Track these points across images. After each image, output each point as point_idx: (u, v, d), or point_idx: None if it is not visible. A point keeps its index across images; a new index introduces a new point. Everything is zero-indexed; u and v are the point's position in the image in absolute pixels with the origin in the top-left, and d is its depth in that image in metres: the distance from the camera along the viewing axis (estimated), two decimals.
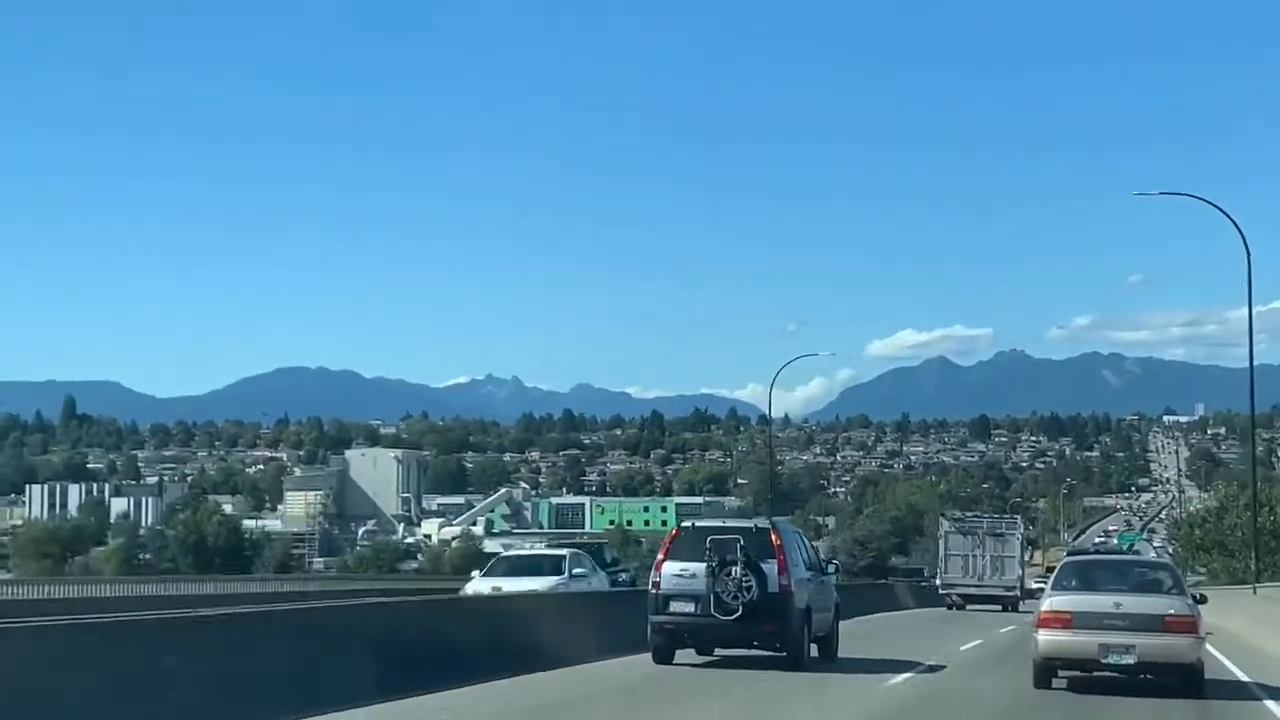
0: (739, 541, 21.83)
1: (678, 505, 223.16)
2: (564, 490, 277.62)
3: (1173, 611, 19.19)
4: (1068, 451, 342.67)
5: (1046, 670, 19.92)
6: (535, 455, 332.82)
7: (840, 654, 24.57)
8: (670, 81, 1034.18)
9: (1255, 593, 39.49)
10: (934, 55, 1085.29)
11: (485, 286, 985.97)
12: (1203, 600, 20.95)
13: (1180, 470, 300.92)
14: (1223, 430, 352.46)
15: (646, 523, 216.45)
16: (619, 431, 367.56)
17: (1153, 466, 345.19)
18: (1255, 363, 43.92)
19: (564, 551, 35.00)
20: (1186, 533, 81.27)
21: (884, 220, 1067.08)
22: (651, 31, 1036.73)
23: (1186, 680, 19.47)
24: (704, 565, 21.68)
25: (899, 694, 20.13)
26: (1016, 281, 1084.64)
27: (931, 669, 23.69)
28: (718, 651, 23.19)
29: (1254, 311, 43.34)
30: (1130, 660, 19.07)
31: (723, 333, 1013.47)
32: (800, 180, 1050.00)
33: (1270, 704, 19.29)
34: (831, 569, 26.79)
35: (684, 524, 23.77)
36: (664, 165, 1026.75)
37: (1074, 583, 20.29)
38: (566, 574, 32.09)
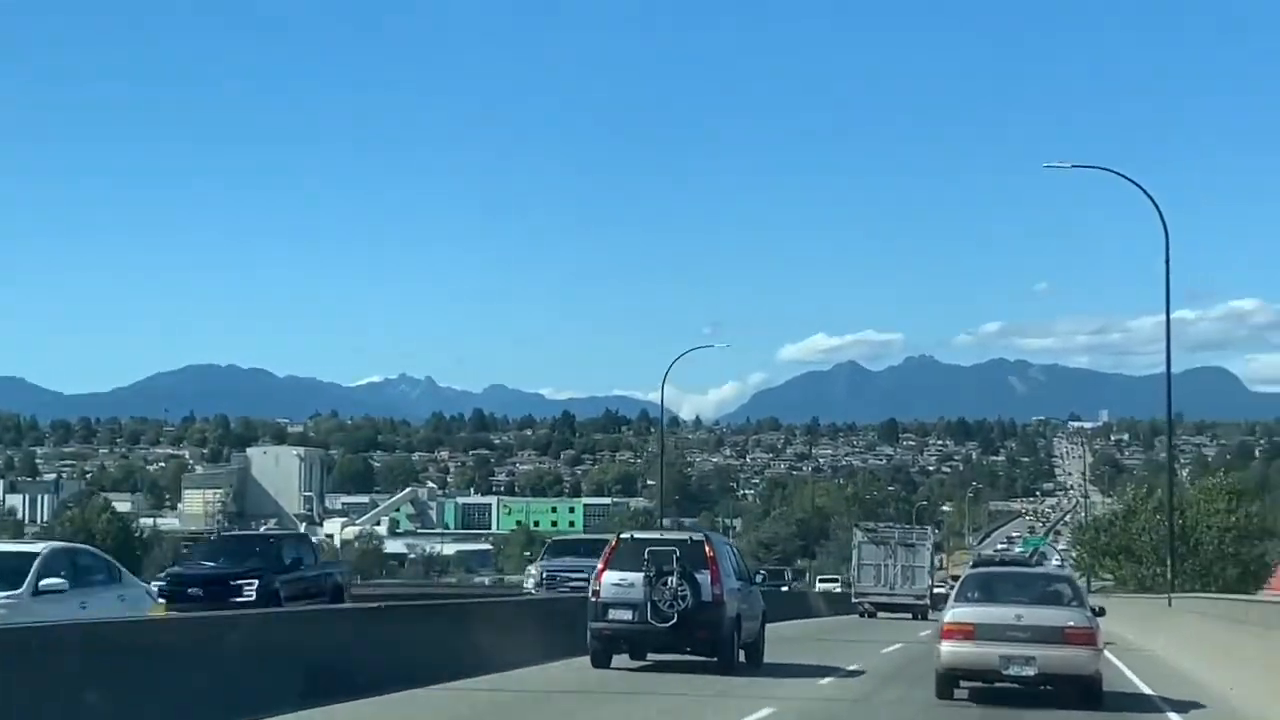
0: (675, 553, 22.94)
1: (586, 506, 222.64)
2: (472, 490, 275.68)
3: (1072, 624, 19.49)
4: (974, 456, 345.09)
5: (949, 681, 20.16)
6: (444, 455, 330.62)
7: (766, 659, 25.48)
8: (587, 80, 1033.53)
9: (1171, 604, 38.61)
10: (853, 58, 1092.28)
11: (400, 286, 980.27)
12: (1101, 613, 21.16)
13: (1085, 475, 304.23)
14: (1125, 436, 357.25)
15: (554, 523, 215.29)
16: (529, 432, 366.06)
17: (1057, 471, 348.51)
18: (1155, 371, 44.09)
19: (39, 548, 20.73)
20: (1092, 537, 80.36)
21: (799, 225, 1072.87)
22: (567, 30, 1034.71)
23: (1084, 691, 19.77)
24: (641, 575, 22.75)
25: (824, 696, 20.97)
26: (928, 288, 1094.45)
27: (852, 674, 24.70)
28: (651, 657, 24.05)
29: (1156, 320, 43.58)
30: (1031, 672, 19.31)
31: (637, 335, 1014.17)
32: (717, 183, 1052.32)
33: (1174, 716, 19.63)
34: (759, 579, 28.36)
35: (623, 535, 24.79)
36: (581, 165, 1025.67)
37: (977, 594, 20.65)
38: (28, 588, 19.11)
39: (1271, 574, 74.70)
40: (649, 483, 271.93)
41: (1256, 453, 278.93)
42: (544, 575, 36.32)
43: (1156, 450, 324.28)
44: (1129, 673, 26.56)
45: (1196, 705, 20.81)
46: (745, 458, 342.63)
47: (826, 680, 23.11)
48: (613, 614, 22.95)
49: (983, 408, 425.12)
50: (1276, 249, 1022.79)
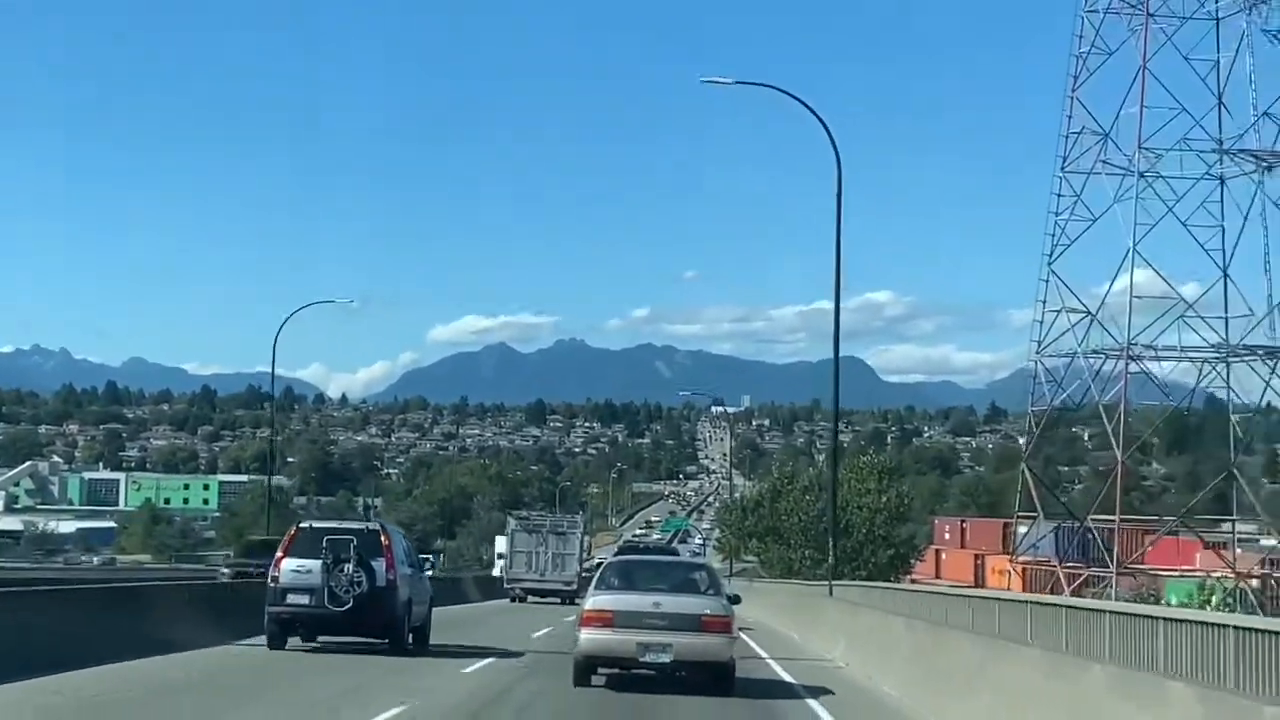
0: (352, 541, 24.21)
1: (222, 483, 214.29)
2: (100, 465, 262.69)
3: (709, 611, 19.87)
4: (620, 438, 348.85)
5: (586, 668, 20.19)
6: (74, 428, 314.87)
7: (431, 641, 26.76)
8: (230, 53, 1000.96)
9: (832, 593, 36.00)
10: (480, 32, 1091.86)
11: (32, 253, 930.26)
12: (737, 600, 21.46)
13: (728, 458, 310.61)
14: (767, 421, 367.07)
15: (186, 500, 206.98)
16: (166, 406, 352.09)
17: (700, 455, 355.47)
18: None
19: None
20: (738, 518, 77.72)
21: (454, 205, 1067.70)
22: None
23: (718, 677, 20.04)
24: (319, 562, 23.87)
25: (487, 674, 22.26)
26: (580, 273, 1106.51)
27: (511, 654, 26.27)
28: (323, 639, 25.04)
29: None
30: (667, 659, 19.56)
31: (285, 311, 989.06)
32: (367, 161, 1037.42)
33: (812, 703, 19.85)
34: (427, 566, 30.52)
35: (302, 524, 25.79)
36: (226, 138, 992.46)
37: (616, 582, 20.88)
38: None
39: (920, 557, 74.39)
40: (289, 459, 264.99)
41: (889, 440, 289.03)
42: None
43: (795, 435, 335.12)
44: (772, 661, 27.27)
45: (828, 691, 21.10)
46: (391, 436, 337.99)
47: (487, 661, 24.41)
48: (291, 598, 24.05)
49: (630, 391, 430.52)
50: (909, 244, 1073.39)
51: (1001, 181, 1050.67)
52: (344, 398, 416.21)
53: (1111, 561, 55.00)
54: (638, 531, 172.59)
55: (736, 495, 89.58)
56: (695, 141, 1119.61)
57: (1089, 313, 55.86)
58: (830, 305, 34.92)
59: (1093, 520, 57.80)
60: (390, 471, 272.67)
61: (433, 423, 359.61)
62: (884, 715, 19.17)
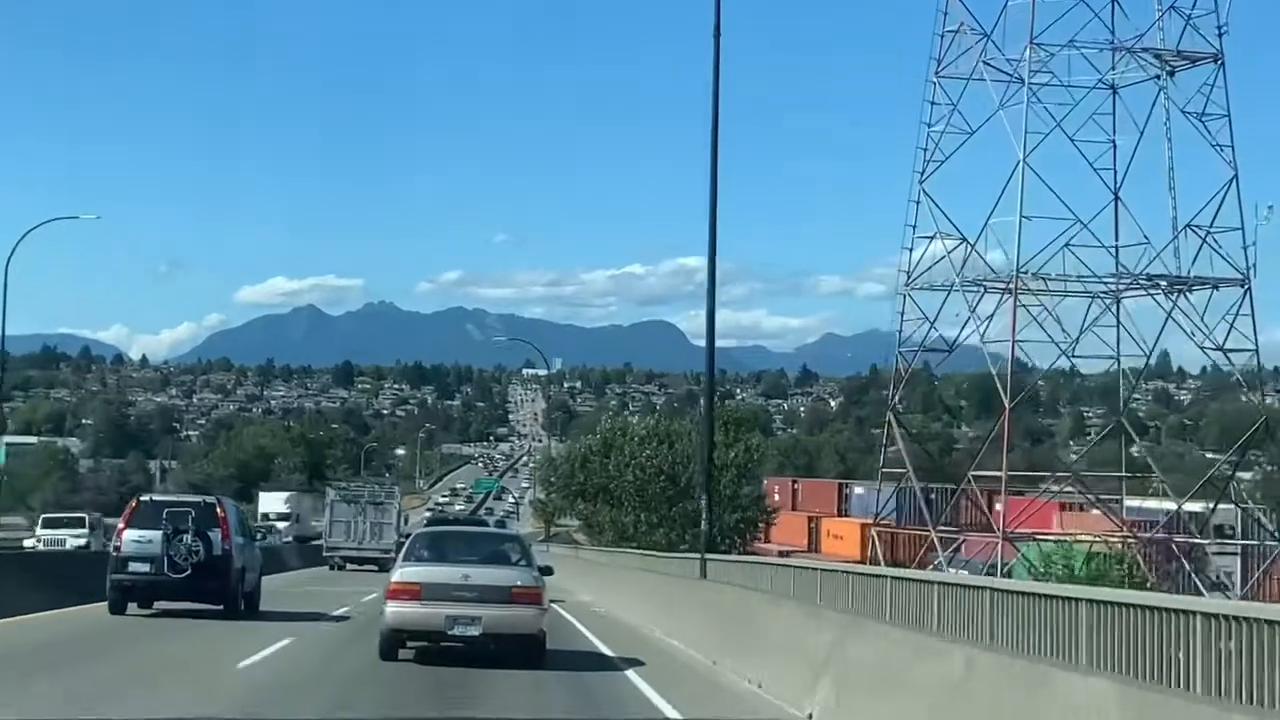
0: (191, 513, 25.92)
1: (9, 444, 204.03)
2: None
3: (519, 583, 19.74)
4: (430, 400, 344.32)
5: (394, 641, 19.87)
6: None
7: (261, 607, 28.44)
8: None
9: (705, 573, 28.92)
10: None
11: None
12: (549, 572, 21.56)
13: (538, 419, 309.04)
14: (579, 384, 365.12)
15: None
16: None
17: (511, 416, 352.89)
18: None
19: None
20: (564, 474, 67.69)
21: (260, 162, 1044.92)
22: None
23: (529, 650, 19.76)
24: (160, 533, 25.43)
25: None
26: (390, 235, 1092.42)
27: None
28: (159, 605, 26.60)
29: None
30: (475, 631, 19.32)
31: (88, 270, 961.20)
32: (184, 116, 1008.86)
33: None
34: (259, 536, 33.37)
35: (142, 498, 28.39)
36: (40, 85, 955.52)
37: (426, 554, 20.59)
38: None
39: (773, 519, 67.30)
40: (85, 421, 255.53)
41: (702, 402, 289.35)
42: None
43: (608, 397, 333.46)
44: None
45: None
46: (193, 398, 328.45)
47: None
48: (133, 566, 25.61)
49: (441, 354, 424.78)
50: (722, 210, 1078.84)
51: (821, 139, 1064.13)
52: (144, 359, 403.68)
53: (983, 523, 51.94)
54: (441, 499, 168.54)
55: (558, 451, 79.86)
56: (504, 101, 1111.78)
57: (964, 239, 50.31)
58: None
59: (974, 476, 52.48)
60: (190, 434, 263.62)
61: (236, 384, 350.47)
62: None
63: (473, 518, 71.92)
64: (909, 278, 52.64)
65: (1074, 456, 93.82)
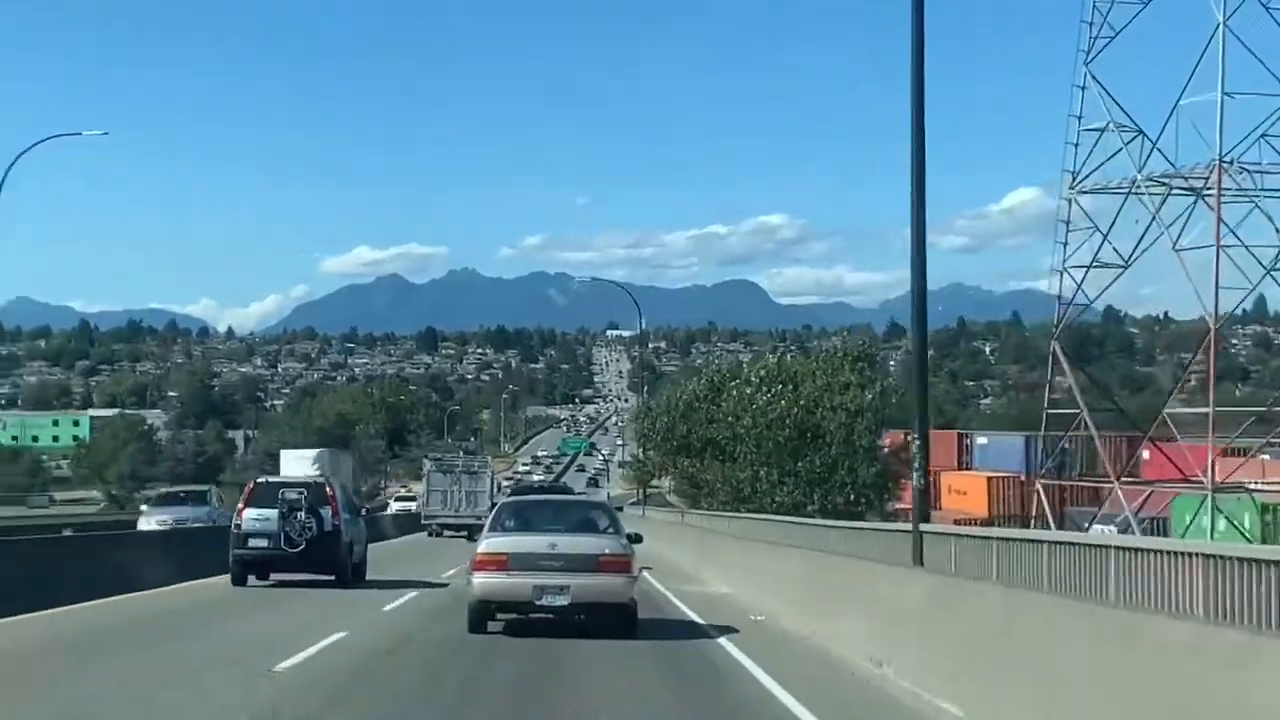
0: (304, 492, 28.00)
1: (94, 418, 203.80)
2: None
3: (607, 551, 19.30)
4: (514, 364, 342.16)
5: (482, 613, 19.53)
6: None
7: (369, 576, 30.44)
8: None
9: (922, 560, 19.78)
10: None
11: None
12: (638, 539, 20.70)
13: (623, 379, 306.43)
14: (663, 344, 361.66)
15: (55, 438, 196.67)
16: (42, 342, 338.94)
17: (596, 379, 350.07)
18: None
19: None
20: (664, 427, 58.15)
21: (342, 134, 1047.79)
22: None
23: (618, 619, 19.34)
24: (276, 511, 27.67)
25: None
26: (471, 202, 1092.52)
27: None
28: (275, 577, 28.59)
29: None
30: (564, 601, 18.96)
31: (174, 246, 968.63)
32: (256, 100, 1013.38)
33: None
34: (363, 511, 35.57)
35: (259, 479, 30.84)
36: (128, 68, 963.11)
37: (512, 524, 20.25)
38: None
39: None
40: (169, 393, 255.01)
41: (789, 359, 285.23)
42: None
43: (693, 356, 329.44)
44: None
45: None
46: (277, 367, 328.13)
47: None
48: (252, 542, 27.75)
49: (524, 319, 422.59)
50: (802, 167, 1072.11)
51: (893, 92, 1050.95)
52: (230, 330, 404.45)
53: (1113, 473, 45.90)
54: (521, 468, 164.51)
55: (656, 402, 67.18)
56: (586, 66, 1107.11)
57: (1140, 132, 43.47)
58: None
59: (1169, 416, 45.17)
60: (274, 403, 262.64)
61: (320, 353, 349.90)
62: None
63: (556, 485, 70.49)
64: (1074, 179, 46.68)
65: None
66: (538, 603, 18.94)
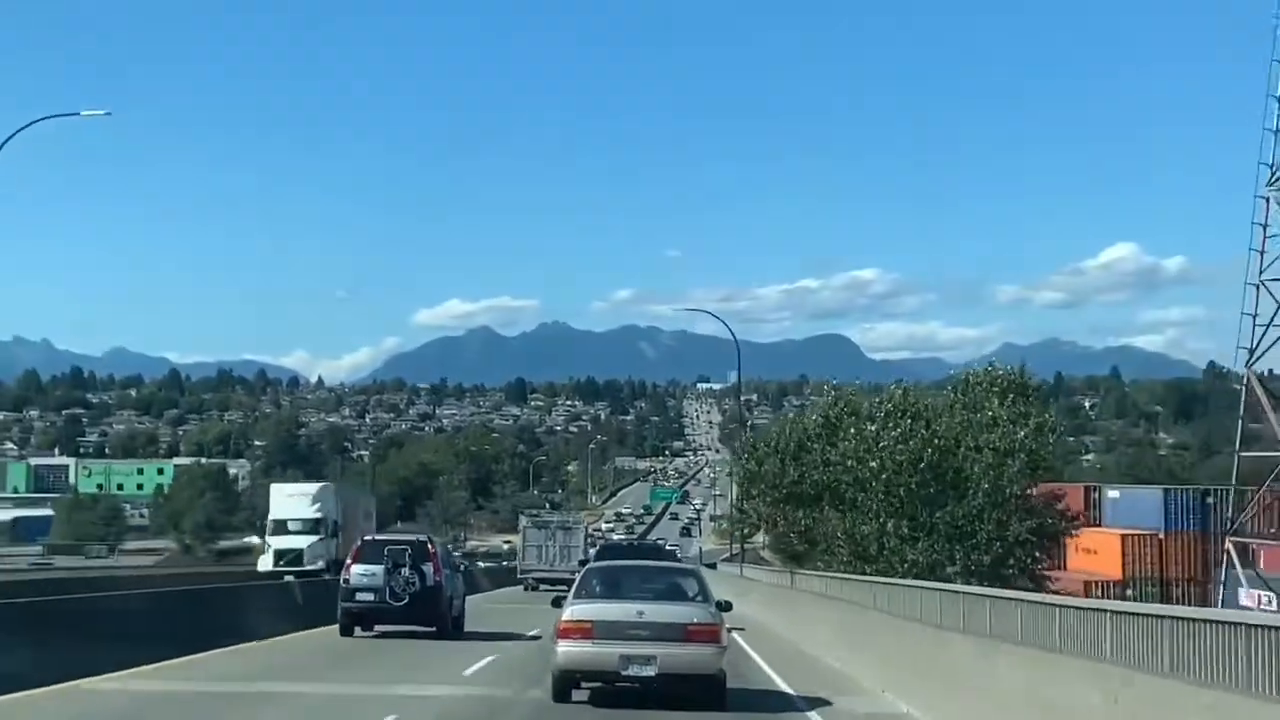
0: (407, 550, 29.97)
1: (177, 467, 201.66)
2: (56, 451, 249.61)
3: (695, 620, 18.48)
4: (603, 416, 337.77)
5: (567, 682, 18.85)
6: (33, 414, 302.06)
7: (466, 628, 32.21)
8: (211, 21, 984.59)
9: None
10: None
11: (12, 242, 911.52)
12: (727, 607, 19.64)
13: (713, 429, 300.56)
14: (754, 396, 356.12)
15: (140, 486, 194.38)
16: (133, 391, 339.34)
17: (687, 430, 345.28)
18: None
19: None
20: (772, 471, 48.29)
21: (436, 186, 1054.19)
22: None
23: (706, 691, 18.48)
24: (381, 567, 29.38)
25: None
26: (563, 255, 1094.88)
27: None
28: (378, 628, 30.37)
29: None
30: (651, 672, 18.17)
31: (270, 299, 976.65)
32: (358, 145, 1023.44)
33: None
34: (462, 568, 39.74)
35: (366, 537, 32.85)
36: (215, 119, 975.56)
37: (598, 589, 19.44)
38: None
39: (1075, 530, 44.94)
40: (257, 442, 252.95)
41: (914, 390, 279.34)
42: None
43: (785, 409, 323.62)
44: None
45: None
46: (365, 418, 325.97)
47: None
48: (359, 596, 29.48)
49: (615, 372, 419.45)
50: (895, 220, 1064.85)
51: (997, 148, 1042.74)
52: (320, 380, 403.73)
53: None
54: (604, 525, 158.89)
55: (763, 441, 54.78)
56: (675, 122, 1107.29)
57: None
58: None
59: None
60: (360, 453, 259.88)
61: (408, 403, 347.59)
62: None
63: (646, 544, 70.64)
64: (1272, 174, 41.51)
65: None
66: (624, 672, 18.26)
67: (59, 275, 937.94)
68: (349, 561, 30.23)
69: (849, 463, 41.98)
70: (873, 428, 41.97)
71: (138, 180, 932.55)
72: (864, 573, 37.79)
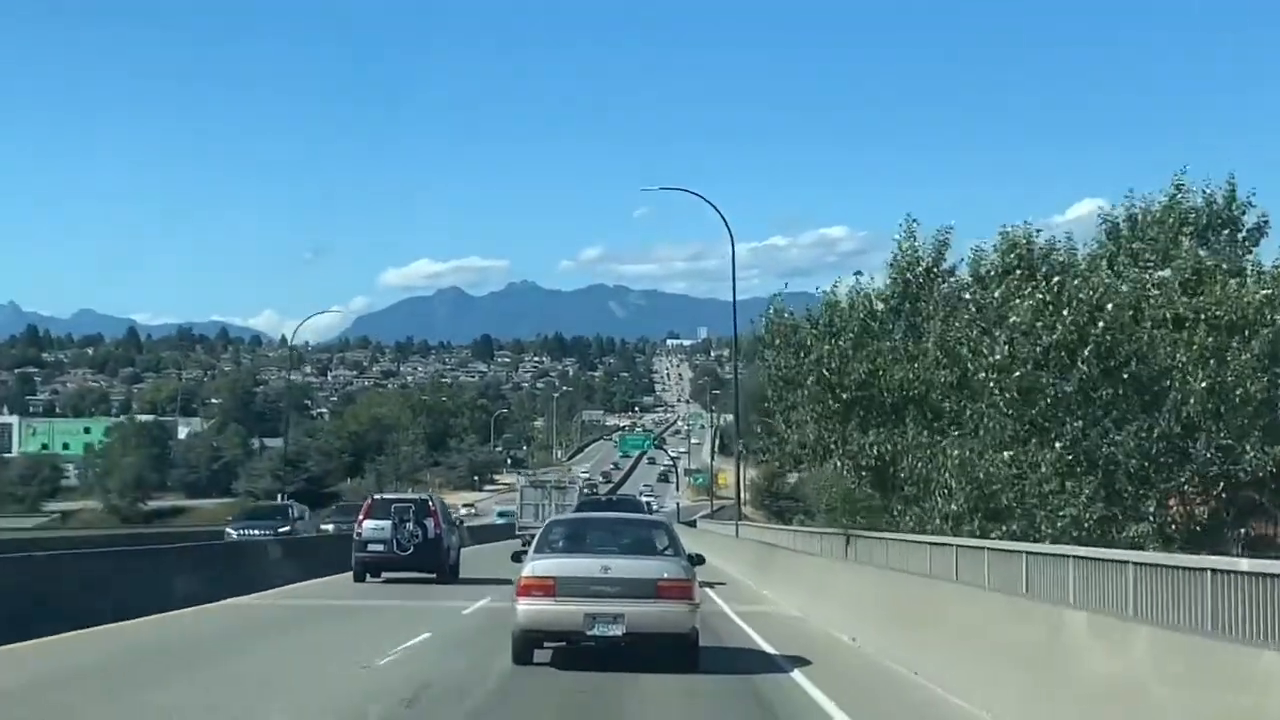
0: (411, 507, 34.74)
1: (118, 424, 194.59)
2: (5, 409, 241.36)
3: (666, 575, 17.53)
4: (571, 371, 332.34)
5: (527, 643, 17.56)
6: None
7: (461, 574, 36.34)
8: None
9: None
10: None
11: None
12: (700, 561, 18.80)
13: (684, 383, 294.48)
14: (725, 352, 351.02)
15: (87, 445, 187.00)
16: (89, 350, 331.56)
17: (657, 386, 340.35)
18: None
19: None
20: (831, 364, 33.05)
21: (399, 148, 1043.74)
22: None
23: (677, 650, 17.45)
24: (389, 522, 33.87)
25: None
26: (530, 215, 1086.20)
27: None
28: (387, 576, 34.68)
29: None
30: (618, 631, 17.05)
31: (238, 260, 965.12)
32: (318, 107, 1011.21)
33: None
34: (458, 521, 46.88)
35: (375, 496, 39.03)
36: (180, 82, 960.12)
37: (561, 544, 18.40)
38: None
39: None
40: (211, 400, 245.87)
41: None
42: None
43: (757, 365, 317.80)
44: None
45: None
46: (327, 375, 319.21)
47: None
48: (370, 547, 33.93)
49: (583, 331, 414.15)
50: (862, 178, 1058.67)
51: (972, 89, 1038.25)
52: (284, 339, 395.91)
53: None
54: (582, 476, 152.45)
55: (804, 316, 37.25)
56: (644, 79, 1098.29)
57: None
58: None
59: None
60: (322, 410, 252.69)
61: (373, 360, 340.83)
62: None
63: (625, 498, 66.73)
64: None
65: None
66: (589, 632, 17.11)
67: (25, 237, 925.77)
68: (360, 517, 34.75)
69: (960, 349, 27.81)
70: (997, 293, 28.11)
71: (86, 150, 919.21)
72: (989, 536, 24.86)
